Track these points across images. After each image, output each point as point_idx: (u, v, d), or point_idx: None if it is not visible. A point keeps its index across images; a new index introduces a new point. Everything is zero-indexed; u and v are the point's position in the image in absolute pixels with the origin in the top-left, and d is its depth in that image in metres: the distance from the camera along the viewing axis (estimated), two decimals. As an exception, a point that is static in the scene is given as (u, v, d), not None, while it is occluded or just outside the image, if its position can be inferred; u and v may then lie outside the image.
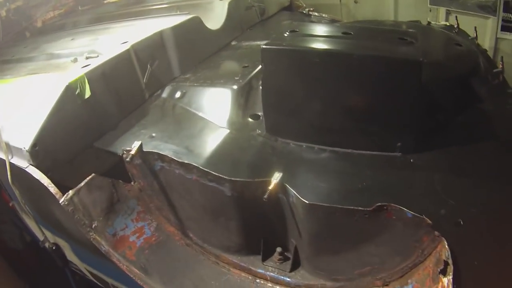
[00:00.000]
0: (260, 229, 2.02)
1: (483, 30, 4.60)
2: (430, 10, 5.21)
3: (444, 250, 1.52)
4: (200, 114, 2.42)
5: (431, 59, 2.10)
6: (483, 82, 2.62)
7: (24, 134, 2.00)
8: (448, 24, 3.89)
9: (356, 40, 2.17)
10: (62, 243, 2.72)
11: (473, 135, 2.22)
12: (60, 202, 1.87)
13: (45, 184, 1.94)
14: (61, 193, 1.91)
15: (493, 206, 1.77)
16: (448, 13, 5.05)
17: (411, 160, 2.05)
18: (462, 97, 2.44)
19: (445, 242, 1.53)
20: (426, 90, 2.09)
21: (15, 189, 2.29)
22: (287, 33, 2.24)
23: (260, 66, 2.45)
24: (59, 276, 3.22)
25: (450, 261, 1.48)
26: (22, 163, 2.02)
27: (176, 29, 2.76)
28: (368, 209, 1.63)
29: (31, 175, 1.97)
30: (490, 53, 4.52)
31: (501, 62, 2.83)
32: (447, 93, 2.38)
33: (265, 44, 2.12)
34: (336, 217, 1.71)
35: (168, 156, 1.94)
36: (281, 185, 1.79)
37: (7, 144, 2.05)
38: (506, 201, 1.78)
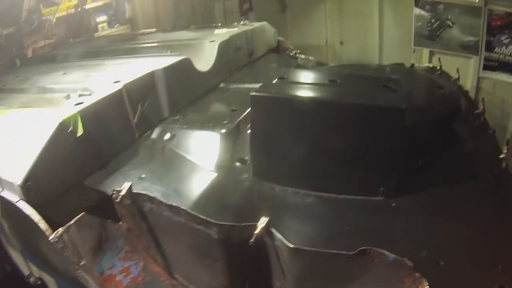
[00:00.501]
0: (245, 272, 2.05)
1: (466, 69, 4.73)
2: (414, 51, 5.35)
3: None
4: (189, 157, 2.46)
5: (413, 104, 2.16)
6: (465, 124, 2.70)
7: (16, 168, 2.02)
8: (431, 65, 3.99)
9: (342, 88, 2.25)
10: (48, 278, 2.71)
11: (454, 176, 2.28)
12: (50, 239, 1.89)
13: (36, 220, 1.96)
14: (51, 230, 1.93)
15: (473, 246, 1.83)
16: (431, 53, 5.20)
17: (393, 204, 2.11)
18: (443, 139, 2.52)
19: (426, 283, 1.57)
20: (408, 134, 2.16)
21: (4, 222, 2.30)
22: (276, 79, 2.32)
23: (248, 110, 2.53)
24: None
25: None
26: (12, 197, 2.03)
27: (167, 70, 2.81)
28: (351, 253, 1.67)
29: (21, 210, 1.99)
30: (472, 92, 4.66)
31: (482, 104, 2.91)
32: (429, 135, 2.46)
33: (255, 91, 2.18)
34: (320, 261, 1.76)
35: (157, 198, 1.98)
36: (267, 229, 1.83)
37: (-1, 177, 2.07)
38: (485, 241, 1.84)
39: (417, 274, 1.61)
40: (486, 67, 4.71)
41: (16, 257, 2.99)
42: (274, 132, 2.21)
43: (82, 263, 2.01)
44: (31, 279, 2.77)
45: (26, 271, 2.81)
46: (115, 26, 5.90)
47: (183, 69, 3.00)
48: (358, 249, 1.66)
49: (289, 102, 2.14)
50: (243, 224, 1.86)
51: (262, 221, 1.83)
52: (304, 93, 2.19)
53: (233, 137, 2.50)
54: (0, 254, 3.33)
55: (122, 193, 2.02)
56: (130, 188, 2.03)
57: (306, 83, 2.31)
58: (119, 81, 2.57)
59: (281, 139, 2.20)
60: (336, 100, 2.10)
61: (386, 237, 1.89)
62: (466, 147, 2.55)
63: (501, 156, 2.38)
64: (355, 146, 2.12)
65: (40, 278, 2.71)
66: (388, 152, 2.09)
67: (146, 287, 2.19)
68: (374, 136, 2.07)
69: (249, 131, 2.45)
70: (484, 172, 2.34)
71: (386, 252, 1.64)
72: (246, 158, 2.41)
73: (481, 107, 2.88)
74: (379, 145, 2.08)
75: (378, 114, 2.05)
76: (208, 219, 1.86)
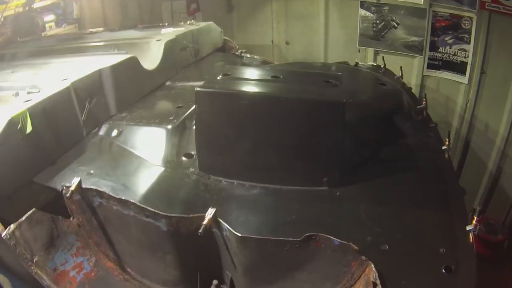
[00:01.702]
0: (196, 263, 2.10)
1: (410, 68, 4.92)
2: (359, 51, 5.49)
3: (371, 273, 1.65)
4: (136, 152, 2.48)
5: (356, 99, 2.25)
6: (407, 118, 2.83)
7: None
8: (375, 64, 4.13)
9: (284, 84, 2.33)
10: (2, 278, 2.67)
11: (396, 167, 2.40)
12: (2, 235, 1.90)
13: (-14, 219, 1.95)
14: (3, 227, 1.94)
15: (416, 232, 1.92)
16: (376, 53, 5.36)
17: (337, 193, 2.20)
18: (386, 133, 2.64)
19: (372, 265, 1.65)
20: (351, 128, 2.27)
21: (-45, 222, 2.27)
22: (220, 76, 2.38)
23: (193, 107, 2.56)
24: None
25: (378, 282, 1.60)
26: (-38, 197, 2.01)
27: (114, 68, 2.82)
28: (298, 239, 1.75)
29: (-29, 209, 1.98)
30: (417, 90, 4.85)
31: (424, 99, 3.05)
32: (372, 130, 2.57)
33: (199, 87, 2.23)
34: (268, 248, 1.83)
35: (106, 193, 2.01)
36: (214, 220, 1.89)
37: None
38: (428, 227, 1.95)
39: (363, 257, 1.71)
40: (430, 66, 4.92)
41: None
42: (218, 126, 2.27)
43: (35, 259, 2.02)
44: (-16, 281, 2.72)
45: (-22, 274, 2.76)
46: (63, 26, 5.85)
47: (129, 67, 3.01)
48: (304, 235, 1.74)
49: (233, 97, 2.21)
50: (191, 215, 1.91)
51: (210, 212, 1.89)
52: (247, 88, 2.26)
53: (179, 132, 2.53)
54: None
55: (72, 188, 2.04)
56: (79, 183, 2.05)
57: (249, 79, 2.37)
58: (67, 79, 2.56)
59: (225, 134, 2.26)
60: (278, 95, 2.17)
61: (331, 225, 1.96)
62: (410, 140, 2.67)
63: (443, 147, 2.52)
64: (298, 139, 2.19)
65: (-6, 280, 2.67)
66: (330, 144, 2.17)
67: (100, 283, 2.21)
68: (316, 129, 2.16)
69: (194, 127, 2.47)
70: (427, 163, 2.46)
71: (332, 237, 1.72)
72: (192, 153, 2.45)
73: (424, 103, 3.03)
74: (321, 137, 2.17)
75: (319, 108, 2.13)
76: (157, 211, 1.90)
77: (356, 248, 1.68)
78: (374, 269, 1.64)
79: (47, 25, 5.55)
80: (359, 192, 2.20)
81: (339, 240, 1.71)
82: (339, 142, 2.17)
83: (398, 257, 1.79)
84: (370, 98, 2.80)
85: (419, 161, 2.48)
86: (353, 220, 2.01)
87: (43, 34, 5.34)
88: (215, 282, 2.12)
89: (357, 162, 2.37)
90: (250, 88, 2.26)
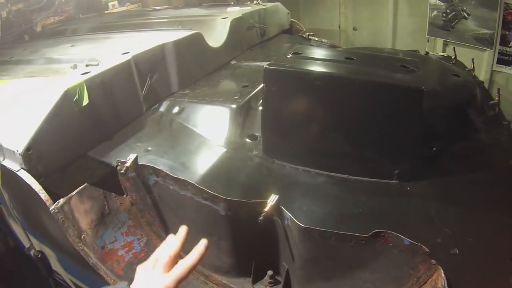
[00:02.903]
0: (252, 251, 1.99)
1: (479, 62, 4.65)
2: (428, 41, 5.29)
3: (440, 279, 1.50)
4: (197, 131, 2.40)
5: (429, 88, 2.09)
6: (480, 113, 2.64)
7: (18, 136, 1.96)
8: (445, 55, 3.94)
9: (358, 66, 2.18)
10: (48, 252, 2.67)
11: (469, 165, 2.22)
12: (50, 210, 1.82)
13: (36, 190, 1.89)
14: (51, 201, 1.87)
15: (487, 237, 1.76)
16: (445, 44, 5.13)
17: (408, 188, 2.05)
18: (458, 127, 2.45)
19: (441, 271, 1.51)
20: (424, 119, 2.09)
21: (4, 192, 2.25)
22: (290, 54, 2.25)
23: (259, 87, 2.47)
24: (41, 284, 3.15)
25: None
26: (13, 166, 1.97)
27: (177, 43, 2.74)
28: (365, 235, 1.60)
29: (22, 179, 1.92)
30: (485, 85, 4.58)
31: (497, 94, 2.87)
32: (444, 122, 2.39)
33: (269, 64, 2.11)
34: (332, 242, 1.68)
35: (163, 171, 1.90)
36: (276, 207, 1.76)
37: (0, 146, 2.00)
38: (498, 233, 1.78)
39: (432, 261, 1.56)
40: (500, 61, 4.64)
41: (17, 229, 2.96)
42: (286, 108, 2.14)
43: (83, 236, 1.94)
44: (31, 252, 2.72)
45: (26, 244, 2.77)
46: (126, 5, 5.78)
47: (194, 44, 2.93)
48: (372, 232, 1.59)
49: (304, 76, 2.06)
50: (252, 200, 1.78)
51: (272, 199, 1.75)
52: (320, 68, 2.11)
53: (243, 113, 2.43)
54: (3, 229, 3.30)
55: (127, 164, 1.95)
56: (135, 159, 1.96)
57: (321, 59, 2.22)
58: (128, 53, 2.50)
59: (293, 116, 2.13)
60: (353, 77, 2.02)
61: (399, 222, 1.82)
62: (481, 137, 2.50)
63: None
64: (371, 126, 2.04)
65: (40, 251, 2.66)
66: (405, 134, 2.01)
67: (148, 263, 2.13)
68: (391, 116, 2.00)
69: (260, 108, 2.37)
70: (499, 162, 2.28)
71: (402, 236, 1.57)
72: (257, 134, 2.35)
73: (497, 98, 2.85)
74: (395, 126, 2.01)
75: (397, 93, 1.98)
76: (216, 194, 1.78)
77: (427, 250, 1.53)
78: (443, 275, 1.50)
79: (109, 4, 5.51)
80: (430, 188, 2.04)
81: (409, 240, 1.55)
82: (414, 133, 2.00)
83: (468, 263, 1.64)
84: (443, 88, 2.61)
85: (492, 160, 2.31)
86: (423, 218, 1.86)
87: (106, 12, 5.36)
88: (270, 272, 2.00)
89: (428, 156, 2.21)
90: (323, 68, 2.12)
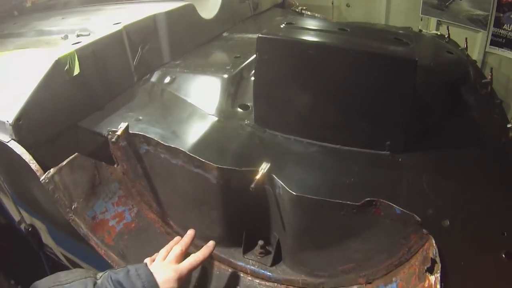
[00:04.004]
0: (243, 221, 1.99)
1: (473, 43, 4.61)
2: (421, 19, 5.22)
3: (431, 248, 1.50)
4: (189, 100, 2.37)
5: (422, 63, 2.08)
6: (472, 91, 2.63)
7: (8, 107, 1.93)
8: (439, 33, 3.93)
9: (352, 37, 2.15)
10: (39, 225, 2.65)
11: (460, 141, 2.22)
12: (41, 180, 1.81)
13: (26, 160, 1.87)
14: (42, 171, 1.85)
15: (478, 211, 1.76)
16: (439, 23, 5.07)
17: (399, 160, 2.04)
18: (450, 103, 2.46)
19: (433, 240, 1.51)
20: (416, 92, 2.08)
21: (-5, 165, 2.22)
22: (284, 24, 2.22)
23: (251, 58, 2.46)
24: (32, 261, 3.14)
25: (437, 259, 1.46)
26: (4, 137, 1.94)
27: (169, 14, 2.71)
28: (356, 204, 1.61)
29: (12, 150, 1.90)
30: (478, 65, 4.58)
31: (490, 74, 2.85)
32: (436, 97, 2.39)
33: (262, 33, 2.08)
34: (323, 211, 1.68)
35: (154, 139, 1.89)
36: (268, 175, 1.75)
37: (-10, 117, 1.97)
38: (490, 207, 1.78)
39: (424, 231, 1.56)
40: (493, 43, 4.60)
41: (7, 204, 2.94)
42: (279, 77, 2.12)
43: (73, 206, 1.93)
44: (22, 226, 2.70)
45: (16, 218, 2.75)
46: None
47: (186, 15, 2.91)
48: (364, 200, 1.60)
49: (297, 45, 2.04)
50: (243, 168, 1.78)
51: (264, 167, 1.75)
52: (313, 37, 2.09)
53: (235, 83, 2.41)
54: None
55: (118, 133, 1.92)
56: (126, 128, 1.93)
57: (315, 30, 2.20)
58: (119, 23, 2.46)
59: (286, 85, 2.11)
60: (347, 47, 1.99)
61: (391, 192, 1.81)
62: (473, 114, 2.49)
63: (509, 125, 2.35)
64: (363, 96, 2.03)
65: (31, 225, 2.65)
66: (398, 105, 2.00)
67: (140, 234, 2.13)
68: (384, 87, 1.98)
69: (252, 78, 2.35)
70: (491, 140, 2.29)
71: (394, 205, 1.57)
72: (249, 104, 2.34)
73: (489, 77, 2.83)
74: (388, 97, 2.00)
75: (390, 64, 1.95)
76: (207, 162, 1.78)
77: (419, 219, 1.53)
78: (434, 244, 1.50)
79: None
80: (421, 161, 2.04)
81: (401, 209, 1.55)
82: (406, 104, 1.98)
83: (458, 236, 1.64)
84: (436, 64, 2.62)
85: (484, 137, 2.31)
86: (414, 190, 1.85)
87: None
88: (260, 242, 2.01)
89: (420, 130, 2.20)
90: (316, 37, 2.10)
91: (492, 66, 4.51)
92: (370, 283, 1.79)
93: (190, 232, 1.89)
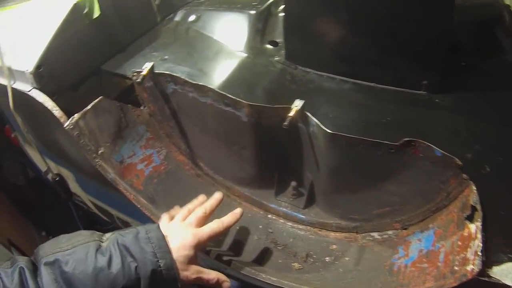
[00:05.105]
0: (275, 161, 1.91)
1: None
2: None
3: (472, 195, 1.41)
4: (215, 37, 2.29)
5: (457, 3, 1.95)
6: (507, 35, 2.50)
7: (27, 56, 1.88)
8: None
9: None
10: (66, 174, 2.64)
11: (496, 84, 2.09)
12: (65, 126, 1.75)
13: (49, 108, 1.82)
14: (66, 117, 1.80)
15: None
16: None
17: (436, 100, 1.94)
18: (485, 44, 2.33)
19: (474, 187, 1.42)
20: (454, 29, 2.01)
21: (17, 116, 2.18)
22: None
23: (279, -7, 2.32)
24: (61, 211, 3.17)
25: (478, 207, 1.37)
26: (25, 87, 1.90)
27: (191, -51, 2.59)
28: (395, 143, 1.51)
29: (35, 99, 1.86)
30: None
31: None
32: (471, 38, 2.29)
33: (291, -36, 1.97)
34: (359, 150, 1.59)
35: (181, 78, 1.80)
36: (302, 113, 1.65)
37: (9, 69, 1.92)
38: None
39: (464, 176, 1.46)
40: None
41: (33, 155, 2.93)
42: (310, 9, 2.00)
43: (100, 151, 1.88)
44: (49, 176, 2.69)
45: (43, 168, 2.74)
46: None
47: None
48: (403, 140, 1.49)
49: (330, -26, 1.92)
50: (276, 105, 1.68)
51: (297, 104, 1.64)
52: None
53: (263, 19, 2.30)
54: (21, 160, 3.30)
55: (143, 73, 1.84)
56: (152, 68, 1.85)
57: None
58: (140, -40, 2.37)
59: (317, 19, 2.00)
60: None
61: (428, 133, 1.73)
62: (509, 58, 2.30)
63: None
64: (400, 30, 1.90)
65: (58, 174, 2.63)
66: (435, 42, 1.88)
67: (169, 177, 2.08)
68: (421, 22, 1.86)
69: (280, 14, 2.26)
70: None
71: (434, 147, 1.47)
72: (278, 40, 2.24)
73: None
74: (426, 33, 1.87)
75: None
76: (238, 99, 1.69)
77: (460, 163, 1.43)
78: (475, 191, 1.41)
79: None
80: (458, 102, 1.93)
81: (441, 151, 1.45)
82: (444, 42, 1.86)
83: (499, 182, 1.54)
84: (470, 4, 2.51)
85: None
86: (452, 132, 1.76)
87: None
88: (293, 183, 1.94)
89: (456, 70, 2.08)
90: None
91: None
92: (405, 228, 1.73)
93: (217, 196, 1.70)
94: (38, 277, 1.25)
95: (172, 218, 1.63)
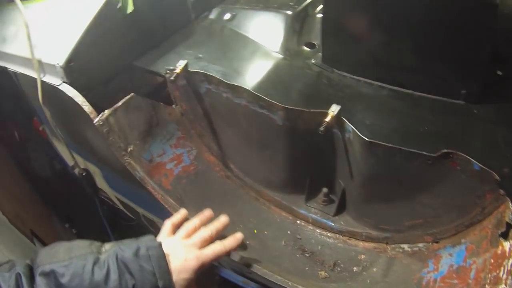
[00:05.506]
0: (307, 166, 1.88)
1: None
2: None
3: (508, 212, 1.35)
4: (251, 37, 2.24)
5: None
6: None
7: (58, 50, 1.85)
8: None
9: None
10: (93, 169, 2.64)
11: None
12: (95, 122, 1.74)
13: (79, 103, 1.80)
14: (96, 113, 1.78)
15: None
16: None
17: (475, 111, 1.86)
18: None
19: (510, 203, 1.36)
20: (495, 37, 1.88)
21: (46, 110, 2.18)
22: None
23: (317, -7, 2.26)
24: (87, 205, 3.17)
25: None
26: (55, 81, 1.88)
27: None
28: (433, 155, 1.47)
29: (64, 93, 1.84)
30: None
31: None
32: (509, 46, 2.13)
33: (331, -34, 1.91)
34: (396, 160, 1.55)
35: (216, 78, 1.77)
36: (338, 118, 1.62)
37: (40, 62, 1.90)
38: None
39: (501, 191, 1.40)
40: None
41: (61, 149, 2.94)
42: (349, 12, 1.96)
43: (129, 149, 1.86)
44: (76, 170, 2.70)
45: (70, 163, 2.75)
46: None
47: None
48: (441, 151, 1.45)
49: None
50: (312, 110, 1.64)
51: (334, 109, 1.60)
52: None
53: (300, 19, 2.25)
54: (48, 153, 3.31)
55: (177, 71, 1.81)
56: (185, 66, 1.83)
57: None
58: (176, -44, 2.33)
59: (357, 22, 1.95)
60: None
61: (465, 144, 1.66)
62: None
63: None
64: (440, 38, 1.84)
65: (85, 169, 2.63)
66: (476, 51, 1.81)
67: (198, 178, 2.06)
68: (463, 30, 1.79)
69: (318, 15, 2.22)
70: None
71: (472, 160, 1.42)
72: (315, 43, 2.18)
73: None
74: (467, 41, 1.80)
75: (470, 4, 1.74)
76: (274, 102, 1.65)
77: (498, 178, 1.37)
78: (511, 207, 1.35)
79: None
80: (497, 113, 1.85)
81: (480, 165, 1.40)
82: (485, 51, 1.79)
83: None
84: (510, 10, 2.39)
85: None
86: (489, 144, 1.68)
87: None
88: (324, 190, 1.90)
89: (496, 81, 2.00)
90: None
91: None
92: (437, 242, 1.68)
93: (224, 219, 1.61)
94: (34, 284, 1.23)
95: (175, 227, 1.58)
